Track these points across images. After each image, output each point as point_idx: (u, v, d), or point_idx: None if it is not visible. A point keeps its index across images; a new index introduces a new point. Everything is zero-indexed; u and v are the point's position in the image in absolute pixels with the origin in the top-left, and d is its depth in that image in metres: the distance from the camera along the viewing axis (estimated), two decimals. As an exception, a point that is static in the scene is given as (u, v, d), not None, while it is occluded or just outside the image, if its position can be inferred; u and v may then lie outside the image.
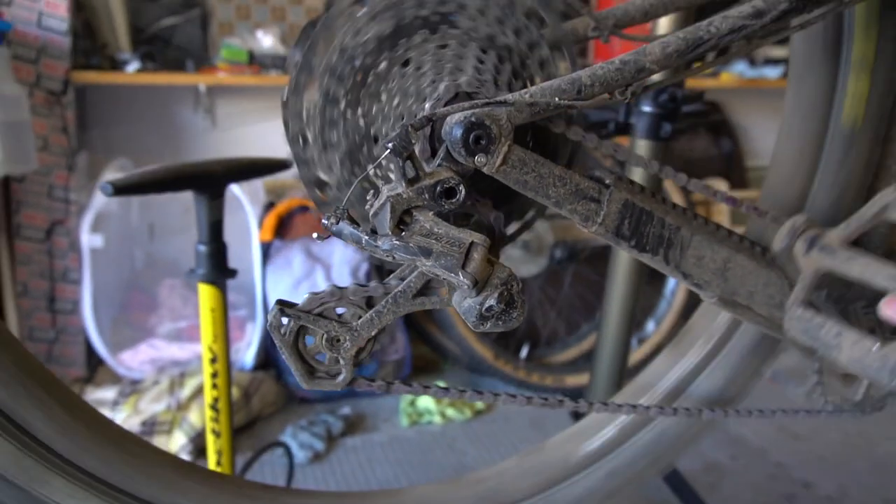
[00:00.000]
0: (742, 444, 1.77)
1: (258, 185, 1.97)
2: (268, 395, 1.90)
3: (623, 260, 1.30)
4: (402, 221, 0.43)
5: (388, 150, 0.41)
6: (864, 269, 0.53)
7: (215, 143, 2.16)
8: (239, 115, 2.17)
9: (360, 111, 0.46)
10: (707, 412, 0.61)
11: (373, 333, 0.48)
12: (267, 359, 1.99)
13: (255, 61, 1.95)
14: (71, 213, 1.78)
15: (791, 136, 0.65)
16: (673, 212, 0.54)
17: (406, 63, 0.46)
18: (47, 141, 1.72)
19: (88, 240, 1.74)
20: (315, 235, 0.43)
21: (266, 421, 1.88)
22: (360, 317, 0.47)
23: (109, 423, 0.56)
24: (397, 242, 0.42)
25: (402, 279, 0.47)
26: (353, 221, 0.43)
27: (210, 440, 0.98)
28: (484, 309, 0.43)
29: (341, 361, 0.49)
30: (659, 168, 0.53)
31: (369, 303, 0.47)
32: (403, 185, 0.42)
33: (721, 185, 2.31)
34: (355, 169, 0.48)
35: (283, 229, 1.86)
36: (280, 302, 0.49)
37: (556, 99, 0.45)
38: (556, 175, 0.48)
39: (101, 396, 1.74)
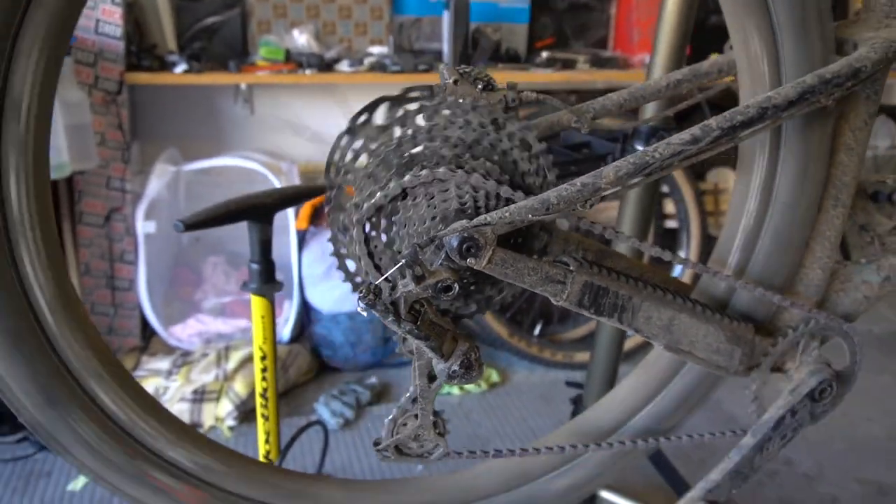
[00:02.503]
0: (732, 423, 1.93)
1: (295, 174, 2.14)
2: (302, 366, 2.10)
3: (622, 250, 1.44)
4: (412, 309, 0.59)
5: (403, 262, 0.57)
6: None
7: (253, 129, 2.32)
8: (275, 105, 2.32)
9: (381, 231, 0.62)
10: (641, 442, 0.78)
11: (428, 412, 0.65)
12: (301, 332, 2.19)
13: (291, 59, 2.10)
14: (126, 201, 1.97)
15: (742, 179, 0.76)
16: (626, 285, 0.69)
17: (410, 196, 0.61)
18: (104, 137, 1.90)
19: (143, 226, 1.94)
20: (358, 309, 0.59)
21: (301, 389, 2.09)
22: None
23: (152, 398, 0.73)
24: (409, 325, 0.59)
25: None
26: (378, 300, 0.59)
27: (260, 423, 1.17)
28: (450, 371, 0.60)
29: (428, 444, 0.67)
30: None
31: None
32: (413, 284, 0.58)
33: (730, 174, 2.42)
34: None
35: (317, 218, 2.03)
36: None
37: (529, 216, 0.60)
38: (530, 267, 0.63)
39: (156, 366, 1.96)
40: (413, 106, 0.66)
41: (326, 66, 2.12)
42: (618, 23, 2.50)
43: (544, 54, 2.32)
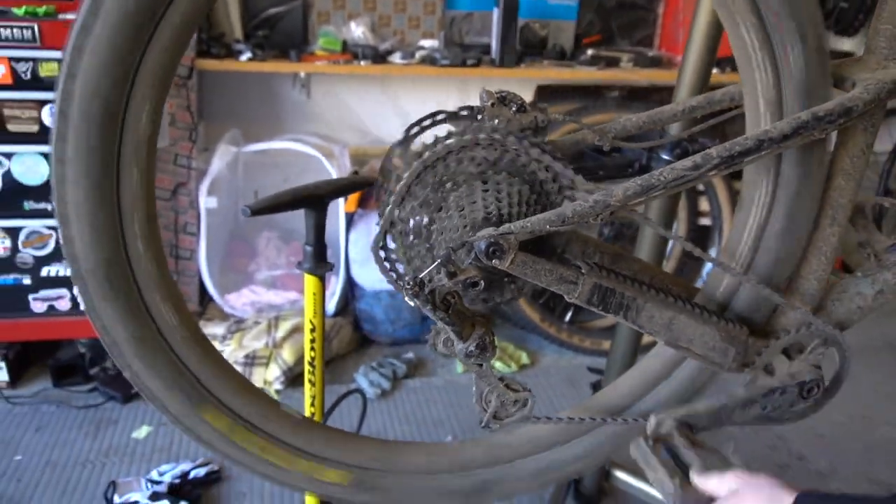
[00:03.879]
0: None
1: (345, 157, 2.27)
2: (345, 338, 2.25)
3: (647, 241, 1.53)
4: (444, 299, 0.71)
5: (439, 262, 0.69)
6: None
7: (309, 113, 2.46)
8: (330, 92, 2.45)
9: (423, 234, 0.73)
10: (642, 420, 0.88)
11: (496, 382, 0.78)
12: (345, 307, 2.34)
13: (348, 49, 2.22)
14: (191, 178, 2.13)
15: (748, 188, 0.85)
16: (632, 287, 0.79)
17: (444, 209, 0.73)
18: (174, 118, 2.06)
19: (205, 201, 2.09)
20: (405, 298, 0.70)
21: (343, 359, 2.24)
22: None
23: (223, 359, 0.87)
24: (442, 313, 0.70)
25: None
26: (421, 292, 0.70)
27: (307, 388, 1.31)
28: (467, 350, 0.72)
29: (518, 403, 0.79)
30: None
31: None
32: (447, 279, 0.70)
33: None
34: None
35: (364, 201, 2.16)
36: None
37: (547, 227, 0.71)
38: (547, 268, 0.74)
39: (212, 331, 2.13)
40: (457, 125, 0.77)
41: (380, 57, 2.23)
42: (664, 22, 2.55)
43: (590, 52, 2.39)
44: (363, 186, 1.27)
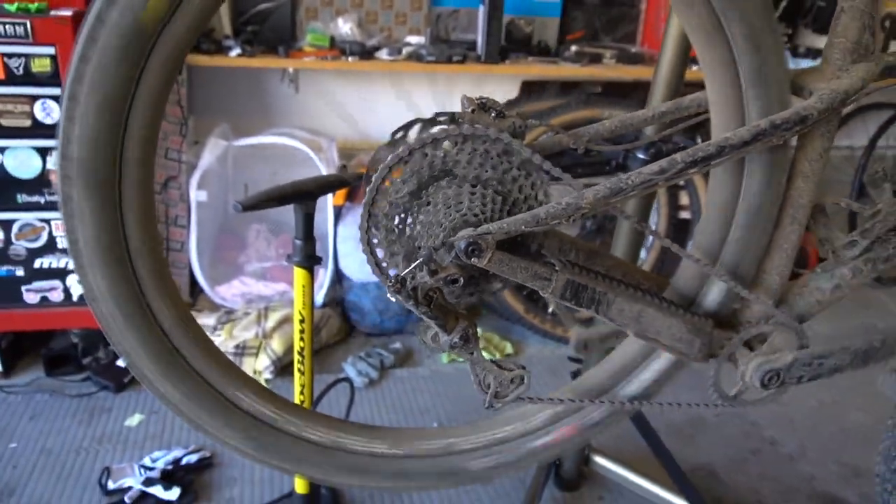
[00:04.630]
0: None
1: (333, 151, 2.31)
2: (333, 328, 2.30)
3: (623, 234, 1.58)
4: (426, 295, 0.76)
5: (420, 261, 0.74)
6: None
7: (297, 107, 2.49)
8: (318, 86, 2.49)
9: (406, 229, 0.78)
10: (628, 404, 0.94)
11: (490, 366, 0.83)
12: (334, 297, 2.38)
13: (336, 45, 2.25)
14: (182, 171, 2.17)
15: (714, 189, 0.90)
16: (603, 283, 0.85)
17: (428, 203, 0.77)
18: (165, 112, 2.09)
19: (196, 195, 2.13)
20: (388, 295, 0.75)
21: (331, 349, 2.29)
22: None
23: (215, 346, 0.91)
24: (424, 308, 0.75)
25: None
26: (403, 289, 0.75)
27: (296, 377, 1.36)
28: (451, 342, 0.77)
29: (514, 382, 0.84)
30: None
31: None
32: (428, 277, 0.75)
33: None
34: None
35: (353, 194, 2.20)
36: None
37: (522, 227, 0.76)
38: (522, 266, 0.79)
39: (203, 322, 2.17)
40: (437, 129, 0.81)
41: (368, 53, 2.27)
42: (647, 18, 2.60)
43: (573, 48, 2.43)
44: (351, 183, 1.32)
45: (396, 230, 0.80)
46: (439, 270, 0.76)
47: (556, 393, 1.00)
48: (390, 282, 0.73)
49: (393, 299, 0.74)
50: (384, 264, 0.80)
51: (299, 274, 1.29)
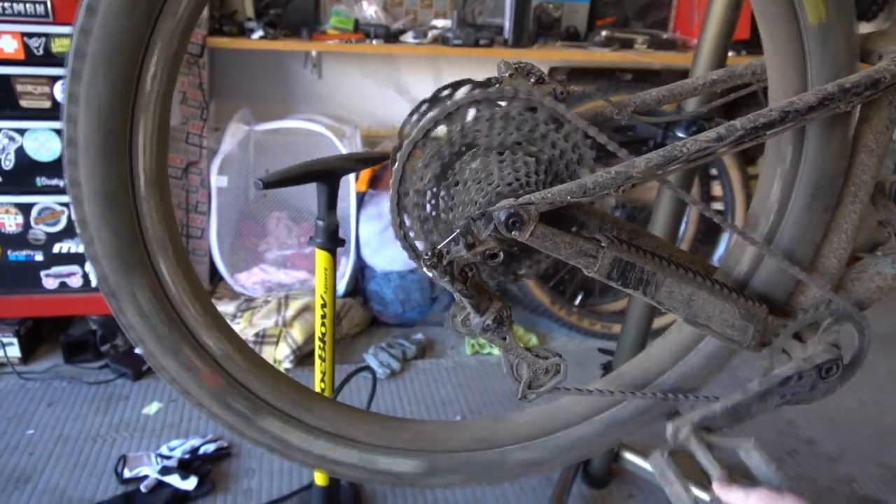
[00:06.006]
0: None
1: (357, 138, 2.26)
2: (354, 318, 2.25)
3: (660, 223, 1.52)
4: (462, 271, 0.70)
5: (458, 232, 0.68)
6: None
7: (321, 93, 2.45)
8: (342, 71, 2.44)
9: (441, 205, 0.73)
10: (672, 397, 0.87)
11: (523, 353, 0.77)
12: (356, 287, 2.34)
13: (360, 29, 2.20)
14: (203, 156, 2.13)
15: (771, 161, 0.83)
16: (652, 261, 0.78)
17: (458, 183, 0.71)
18: (186, 95, 2.06)
19: (216, 180, 2.09)
20: (424, 269, 0.69)
21: (352, 340, 2.24)
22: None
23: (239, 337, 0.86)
24: (460, 285, 0.70)
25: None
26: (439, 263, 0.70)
27: (317, 363, 1.31)
28: (484, 325, 0.71)
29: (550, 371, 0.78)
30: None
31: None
32: (465, 251, 0.69)
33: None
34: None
35: (375, 181, 2.15)
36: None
37: (568, 197, 0.70)
38: (566, 241, 0.73)
39: (222, 309, 2.13)
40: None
41: (392, 36, 2.21)
42: (679, 4, 2.51)
43: (603, 33, 2.36)
44: (377, 161, 1.26)
45: (433, 204, 0.74)
46: (477, 244, 0.70)
47: (595, 384, 0.94)
48: (426, 255, 0.67)
49: (430, 274, 0.69)
50: (416, 241, 0.75)
51: (321, 256, 1.24)
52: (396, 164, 0.72)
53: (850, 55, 0.75)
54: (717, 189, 2.35)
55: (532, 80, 0.80)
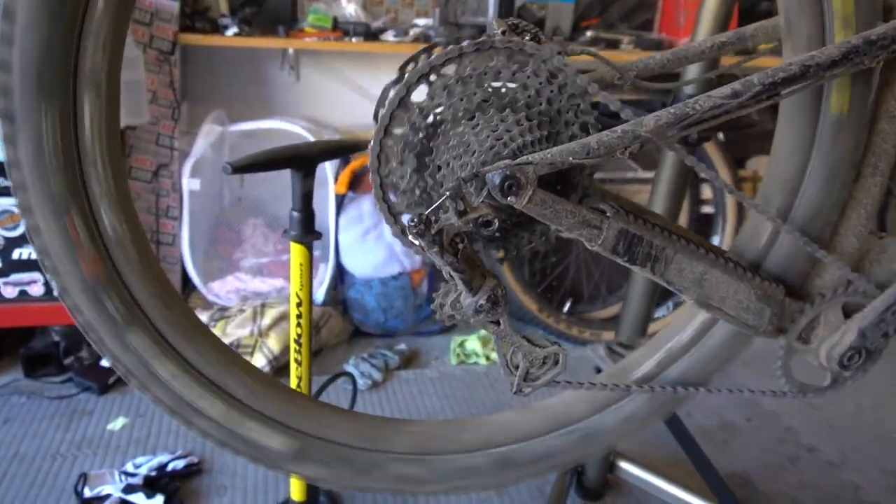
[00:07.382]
0: (757, 407, 1.93)
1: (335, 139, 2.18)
2: (334, 328, 2.16)
3: (658, 200, 1.45)
4: (452, 242, 0.62)
5: (447, 196, 0.60)
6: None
7: (298, 95, 2.37)
8: (320, 71, 2.36)
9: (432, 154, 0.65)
10: (681, 390, 0.79)
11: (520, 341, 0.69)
12: (336, 295, 2.24)
13: (339, 27, 2.13)
14: (174, 158, 2.03)
15: (784, 130, 0.76)
16: (660, 235, 0.71)
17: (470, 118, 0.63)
18: (156, 95, 1.96)
19: (188, 183, 1.99)
20: (410, 237, 0.60)
21: (332, 350, 2.14)
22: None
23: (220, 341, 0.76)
24: (451, 257, 0.61)
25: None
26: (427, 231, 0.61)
27: (293, 367, 1.22)
28: (477, 305, 0.63)
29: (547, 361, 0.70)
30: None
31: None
32: (455, 217, 0.61)
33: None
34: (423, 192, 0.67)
35: (355, 183, 2.07)
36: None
37: (570, 158, 0.63)
38: (568, 210, 0.65)
39: (195, 319, 2.02)
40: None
41: (372, 35, 2.15)
42: (664, 5, 2.48)
43: (589, 34, 2.32)
44: (354, 149, 1.18)
45: (413, 161, 0.66)
46: (468, 210, 0.62)
47: (598, 378, 0.85)
48: (412, 221, 0.59)
49: (416, 242, 0.60)
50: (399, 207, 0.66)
51: (296, 250, 1.15)
52: (373, 137, 0.65)
53: (873, 10, 0.69)
54: (706, 192, 2.30)
55: (526, 38, 0.73)
